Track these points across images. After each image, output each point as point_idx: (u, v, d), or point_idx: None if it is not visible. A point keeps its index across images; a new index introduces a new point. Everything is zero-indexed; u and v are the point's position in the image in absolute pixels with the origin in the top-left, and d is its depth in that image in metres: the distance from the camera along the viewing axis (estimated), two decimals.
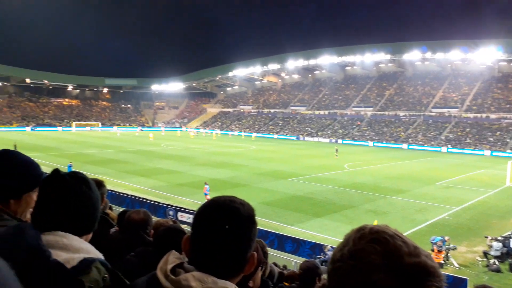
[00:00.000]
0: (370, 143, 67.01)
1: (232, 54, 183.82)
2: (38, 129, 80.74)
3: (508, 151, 54.41)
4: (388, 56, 77.23)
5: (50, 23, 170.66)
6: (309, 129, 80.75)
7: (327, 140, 73.10)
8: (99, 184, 3.52)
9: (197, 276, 1.14)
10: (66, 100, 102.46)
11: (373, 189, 27.27)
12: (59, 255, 1.12)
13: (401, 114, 74.65)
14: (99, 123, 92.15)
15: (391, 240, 0.84)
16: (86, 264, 1.12)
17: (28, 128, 79.99)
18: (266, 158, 43.41)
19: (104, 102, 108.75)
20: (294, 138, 77.27)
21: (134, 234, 3.37)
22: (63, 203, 1.32)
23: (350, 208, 22.18)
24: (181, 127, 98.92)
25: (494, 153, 54.62)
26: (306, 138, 76.01)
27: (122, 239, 3.29)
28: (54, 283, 1.03)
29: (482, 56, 66.66)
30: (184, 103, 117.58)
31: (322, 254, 13.88)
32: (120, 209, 15.90)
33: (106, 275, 1.14)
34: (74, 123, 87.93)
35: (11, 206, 1.49)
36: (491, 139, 59.42)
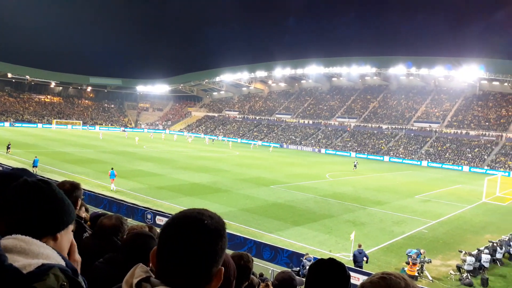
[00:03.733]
0: (353, 154, 67.73)
1: (220, 60, 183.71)
2: (17, 125, 78.94)
3: (486, 167, 55.71)
4: (374, 70, 78.44)
5: (36, 20, 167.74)
6: (293, 137, 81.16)
7: (310, 149, 73.56)
8: (75, 186, 3.45)
9: None
10: (48, 97, 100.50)
11: (353, 200, 27.53)
12: (16, 260, 1.07)
13: (384, 126, 75.78)
14: (81, 122, 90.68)
15: (394, 278, 1.12)
16: (44, 270, 1.06)
17: (6, 124, 78.12)
18: (249, 164, 43.38)
19: (87, 101, 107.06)
20: (278, 145, 77.47)
21: (106, 239, 3.31)
22: (25, 204, 1.30)
23: (330, 217, 22.32)
24: (164, 129, 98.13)
25: (472, 169, 55.88)
26: (290, 146, 76.34)
27: (94, 245, 3.22)
28: None
29: (465, 74, 68.32)
30: (169, 106, 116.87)
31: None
32: (98, 210, 15.67)
33: (64, 283, 1.08)
34: (54, 121, 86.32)
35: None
36: (470, 155, 60.79)
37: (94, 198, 20.29)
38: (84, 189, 3.59)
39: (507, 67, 64.94)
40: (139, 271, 1.21)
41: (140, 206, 19.93)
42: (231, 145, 67.48)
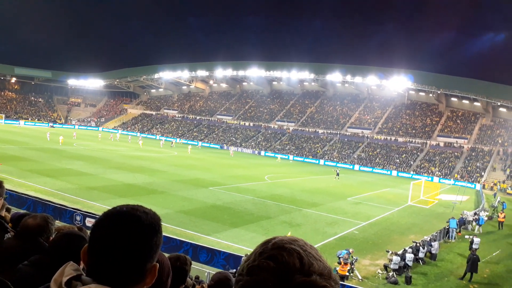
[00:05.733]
0: (291, 157, 69.35)
1: (158, 56, 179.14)
2: None
3: (411, 172, 59.85)
4: (312, 75, 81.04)
5: None
6: (233, 139, 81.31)
7: (250, 151, 74.17)
8: None
9: None
10: None
11: (290, 201, 28.15)
12: None
13: (320, 131, 78.56)
14: (3, 116, 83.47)
15: (286, 257, 0.81)
16: None
17: None
18: (188, 165, 42.69)
19: (11, 93, 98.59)
20: (218, 146, 77.18)
21: (31, 240, 3.05)
22: None
23: (267, 219, 22.62)
24: (97, 126, 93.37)
25: (400, 174, 59.76)
26: (230, 148, 76.37)
27: (18, 246, 2.96)
28: None
29: (395, 84, 73.07)
30: (103, 102, 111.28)
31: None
32: (21, 211, 14.46)
33: None
34: None
35: None
36: (398, 160, 64.98)
37: (17, 198, 18.73)
38: (6, 189, 3.26)
39: (432, 79, 70.73)
40: (69, 269, 1.15)
41: (69, 207, 18.74)
42: (190, 149, 60.39)
